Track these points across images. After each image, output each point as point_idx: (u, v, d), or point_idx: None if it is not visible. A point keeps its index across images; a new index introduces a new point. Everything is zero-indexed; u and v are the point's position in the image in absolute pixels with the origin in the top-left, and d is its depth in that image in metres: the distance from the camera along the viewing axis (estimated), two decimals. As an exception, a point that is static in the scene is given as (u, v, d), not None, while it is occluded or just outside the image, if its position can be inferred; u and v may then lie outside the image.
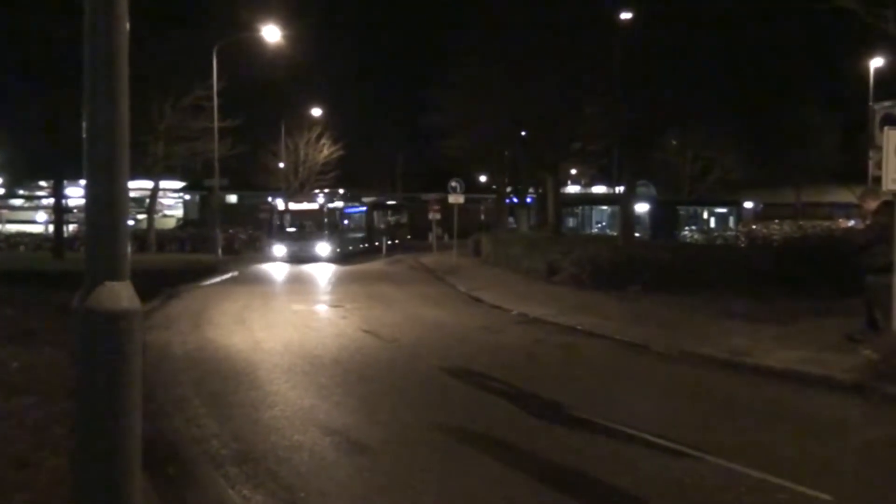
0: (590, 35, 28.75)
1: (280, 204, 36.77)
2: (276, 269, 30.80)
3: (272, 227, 36.38)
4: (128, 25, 3.60)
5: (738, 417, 7.95)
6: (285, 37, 33.56)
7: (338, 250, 35.48)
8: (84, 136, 3.57)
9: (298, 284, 24.34)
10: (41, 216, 61.37)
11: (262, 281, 25.46)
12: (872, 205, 10.51)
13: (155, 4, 27.69)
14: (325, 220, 35.14)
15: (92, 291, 3.55)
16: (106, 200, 3.59)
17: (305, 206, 36.36)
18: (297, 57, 43.82)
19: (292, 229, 35.51)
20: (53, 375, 8.49)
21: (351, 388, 9.17)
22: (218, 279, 24.98)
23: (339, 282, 24.85)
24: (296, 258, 33.69)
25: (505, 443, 6.90)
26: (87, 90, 3.57)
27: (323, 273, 28.36)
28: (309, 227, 35.54)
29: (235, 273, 27.46)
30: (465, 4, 35.12)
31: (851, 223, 25.25)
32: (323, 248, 34.41)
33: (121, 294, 3.58)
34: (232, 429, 7.28)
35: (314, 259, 33.52)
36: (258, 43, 33.90)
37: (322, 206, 35.67)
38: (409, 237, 48.05)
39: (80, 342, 3.63)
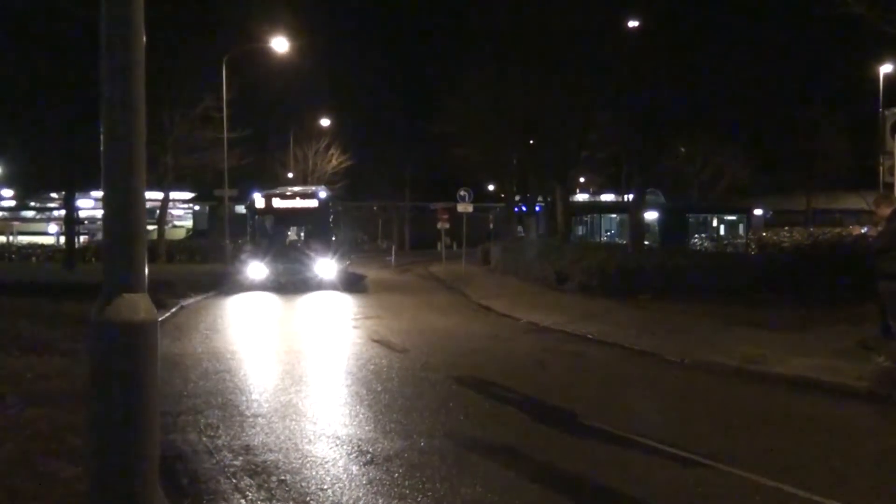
0: (598, 43, 28.81)
1: (258, 200, 25.48)
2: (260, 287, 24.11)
3: (249, 235, 26.08)
4: (144, 37, 3.64)
5: (750, 426, 7.92)
6: (294, 48, 33.72)
7: (345, 269, 26.84)
8: (101, 147, 3.61)
9: (309, 294, 24.36)
10: (52, 228, 61.68)
11: (272, 290, 25.49)
12: (886, 211, 10.49)
13: (165, 16, 27.87)
14: (331, 224, 25.71)
15: (110, 303, 3.58)
16: (123, 212, 3.64)
17: (298, 202, 25.59)
18: (306, 68, 44.02)
19: (278, 240, 25.68)
20: (67, 385, 8.55)
21: (362, 397, 9.17)
22: (228, 289, 25.04)
23: (350, 291, 24.87)
24: (283, 284, 24.18)
25: (516, 451, 6.89)
26: (105, 102, 3.61)
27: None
28: (303, 235, 26.71)
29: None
30: (473, 14, 34.93)
31: (864, 230, 25.17)
32: (325, 267, 24.38)
33: (138, 305, 3.62)
34: (244, 439, 7.29)
35: (311, 285, 24.13)
36: (267, 54, 34.06)
37: (324, 204, 25.56)
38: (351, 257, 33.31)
39: (97, 353, 3.66)
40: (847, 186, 49.62)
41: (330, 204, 25.96)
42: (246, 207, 26.42)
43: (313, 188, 27.67)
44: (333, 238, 25.32)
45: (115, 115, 3.56)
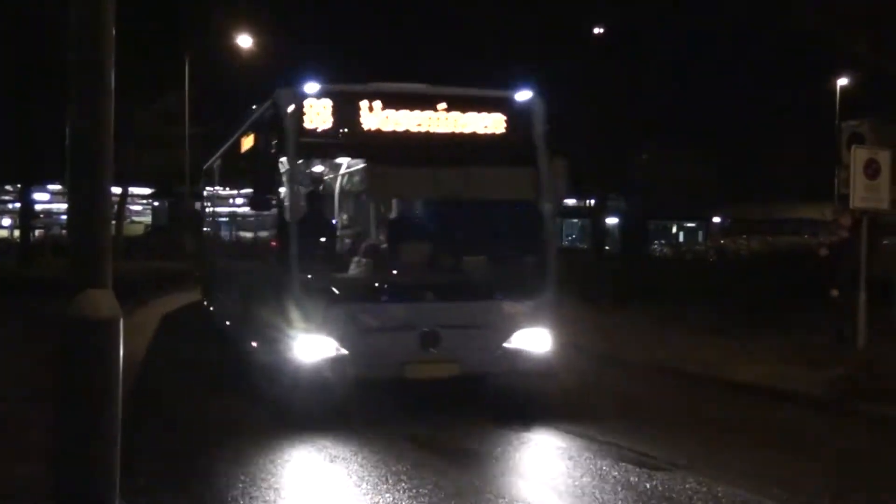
0: (557, 48, 29.05)
1: (312, 109, 7.55)
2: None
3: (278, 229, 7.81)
4: (114, 31, 3.62)
5: (706, 431, 8.03)
6: (259, 44, 33.45)
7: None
8: (67, 142, 3.58)
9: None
10: (6, 221, 60.40)
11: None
12: (849, 222, 10.77)
13: (127, 10, 27.47)
14: (547, 188, 8.24)
15: (73, 299, 3.55)
16: (88, 208, 3.60)
17: (450, 121, 8.01)
18: (271, 64, 43.66)
19: (375, 244, 9.24)
20: (23, 382, 8.39)
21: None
22: (186, 286, 24.72)
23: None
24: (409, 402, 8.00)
25: (479, 454, 6.91)
26: (73, 97, 3.58)
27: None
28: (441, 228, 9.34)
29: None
30: (436, 11, 34.90)
31: (821, 239, 25.78)
32: (532, 340, 8.20)
33: (102, 302, 3.59)
34: (203, 437, 7.22)
35: (498, 400, 8.56)
36: (232, 50, 33.73)
37: (527, 123, 8.25)
38: None
39: (61, 349, 3.62)
40: (803, 196, 50.50)
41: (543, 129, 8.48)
42: (257, 138, 8.87)
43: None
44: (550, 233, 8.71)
45: (82, 111, 3.54)
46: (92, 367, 3.56)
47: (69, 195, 3.65)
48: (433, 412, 7.96)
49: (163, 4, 32.80)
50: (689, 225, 51.30)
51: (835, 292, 10.94)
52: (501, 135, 8.19)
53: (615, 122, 28.13)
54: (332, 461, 6.62)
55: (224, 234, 13.06)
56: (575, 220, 53.97)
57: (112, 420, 3.63)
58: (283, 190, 7.64)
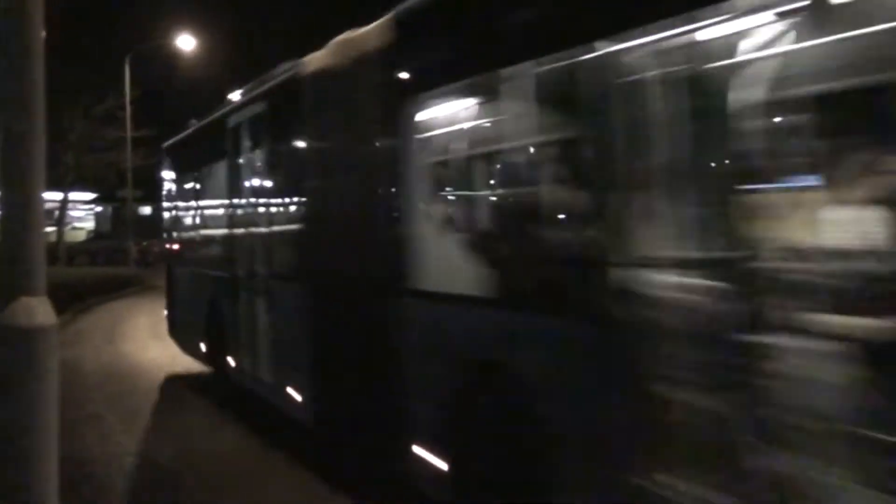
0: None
1: None
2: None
3: None
4: (43, 31, 3.54)
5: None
6: (203, 45, 33.00)
7: None
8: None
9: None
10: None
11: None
12: None
13: (66, 10, 26.90)
14: None
15: (6, 307, 3.47)
16: (21, 214, 3.52)
17: None
18: (215, 65, 43.17)
19: None
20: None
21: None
22: (131, 292, 24.31)
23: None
24: None
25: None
26: (1, 102, 3.49)
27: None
28: None
29: (149, 286, 26.69)
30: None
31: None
32: None
33: (36, 309, 3.52)
34: (148, 446, 7.12)
35: None
36: (174, 51, 33.21)
37: None
38: None
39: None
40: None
41: None
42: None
43: None
44: None
45: (10, 114, 3.46)
46: (27, 375, 3.49)
47: (1, 202, 3.57)
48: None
49: (103, 4, 32.19)
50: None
51: None
52: None
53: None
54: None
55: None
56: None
57: (50, 429, 3.56)
58: None
